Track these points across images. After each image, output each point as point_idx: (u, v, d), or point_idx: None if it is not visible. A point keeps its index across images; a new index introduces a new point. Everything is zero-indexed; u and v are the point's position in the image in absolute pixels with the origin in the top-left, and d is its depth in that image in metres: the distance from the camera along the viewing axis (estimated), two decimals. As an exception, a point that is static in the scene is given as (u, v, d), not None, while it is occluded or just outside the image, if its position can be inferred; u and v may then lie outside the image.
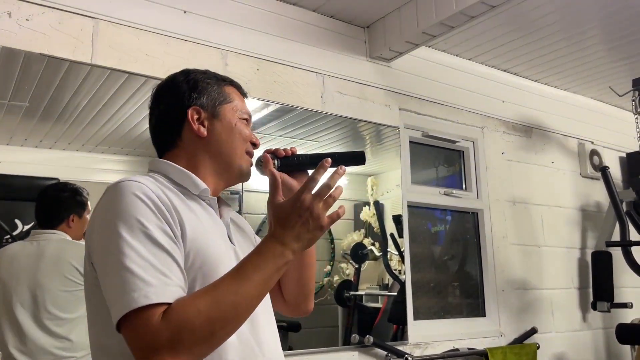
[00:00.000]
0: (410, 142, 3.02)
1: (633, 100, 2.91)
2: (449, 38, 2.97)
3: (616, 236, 3.30)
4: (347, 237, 2.98)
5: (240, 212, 2.56)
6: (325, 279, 2.87)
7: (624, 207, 3.21)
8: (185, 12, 2.30)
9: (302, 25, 2.67)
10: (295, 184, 1.16)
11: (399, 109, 2.95)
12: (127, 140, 2.32)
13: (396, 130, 2.92)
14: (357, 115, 2.79)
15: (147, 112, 1.25)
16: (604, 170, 3.18)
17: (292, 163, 1.15)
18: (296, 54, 2.61)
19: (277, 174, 1.06)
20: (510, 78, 3.51)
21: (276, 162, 1.14)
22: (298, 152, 1.19)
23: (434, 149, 3.24)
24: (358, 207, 3.06)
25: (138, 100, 2.27)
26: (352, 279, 2.92)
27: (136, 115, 2.30)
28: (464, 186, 3.29)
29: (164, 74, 2.23)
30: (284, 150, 1.18)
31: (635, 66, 3.39)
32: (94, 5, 2.09)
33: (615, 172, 4.02)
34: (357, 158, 1.13)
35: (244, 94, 1.26)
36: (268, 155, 1.15)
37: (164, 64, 2.21)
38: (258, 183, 2.80)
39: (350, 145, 3.15)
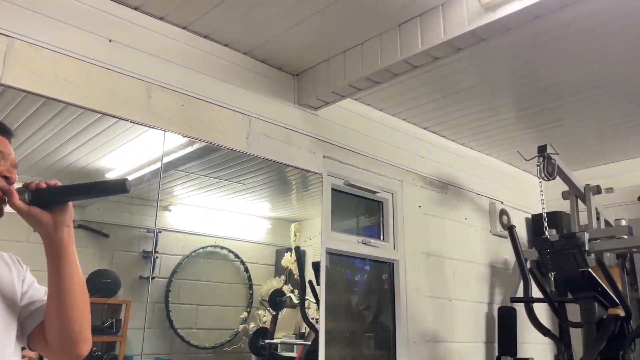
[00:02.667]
0: (333, 189, 3.06)
1: (538, 166, 3.13)
2: (375, 93, 3.10)
3: (521, 293, 3.46)
4: (266, 283, 2.94)
5: (154, 251, 2.46)
6: (241, 326, 2.79)
7: (528, 265, 3.39)
8: (110, 40, 2.25)
9: (233, 66, 2.69)
10: (45, 217, 1.10)
11: (323, 157, 3.00)
12: (41, 167, 2.20)
13: (320, 177, 2.96)
14: (281, 159, 2.81)
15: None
16: (510, 229, 3.36)
17: (43, 195, 1.12)
18: (224, 93, 2.62)
19: (23, 207, 1.06)
20: (429, 136, 3.69)
21: (26, 195, 1.11)
22: (63, 184, 1.15)
23: (356, 198, 3.30)
24: (280, 253, 3.03)
25: (56, 126, 2.18)
26: (269, 327, 2.85)
27: (53, 141, 2.19)
28: (382, 236, 3.36)
29: (83, 101, 2.18)
30: (37, 183, 1.12)
31: (541, 134, 3.69)
32: (11, 23, 2.00)
33: (522, 231, 4.28)
34: (118, 187, 1.12)
35: (4, 130, 1.19)
36: (12, 189, 1.10)
37: (84, 91, 2.14)
38: (178, 222, 2.72)
39: (275, 190, 3.15)
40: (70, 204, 1.12)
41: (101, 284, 2.35)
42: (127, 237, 2.53)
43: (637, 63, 2.78)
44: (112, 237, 2.42)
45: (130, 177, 2.47)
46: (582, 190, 3.51)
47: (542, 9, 2.08)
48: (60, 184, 1.12)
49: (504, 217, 4.12)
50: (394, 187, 3.39)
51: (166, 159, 2.42)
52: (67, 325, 1.13)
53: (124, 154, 2.43)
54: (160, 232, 2.53)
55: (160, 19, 2.43)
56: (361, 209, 3.40)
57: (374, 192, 3.29)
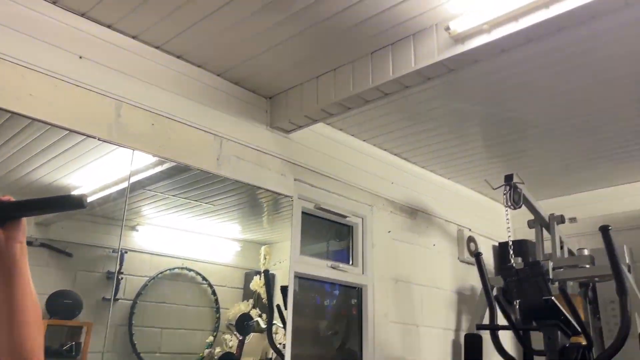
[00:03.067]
0: (303, 213, 3.06)
1: (504, 194, 3.20)
2: (347, 118, 3.14)
3: (487, 320, 3.49)
4: (234, 306, 2.89)
5: (119, 271, 2.40)
6: (206, 351, 2.73)
7: (494, 293, 3.43)
8: (81, 57, 2.24)
9: (205, 87, 2.69)
10: None
11: (294, 180, 3.01)
12: (5, 183, 2.14)
13: (291, 200, 2.96)
14: (252, 181, 2.80)
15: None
16: (477, 256, 3.41)
17: None
18: (195, 114, 2.61)
19: None
20: (399, 162, 3.74)
21: None
22: (17, 200, 1.14)
23: (326, 222, 3.31)
24: (249, 276, 2.99)
25: (21, 142, 2.13)
26: (235, 352, 2.80)
27: (18, 157, 2.14)
28: (351, 261, 3.36)
29: (50, 117, 2.15)
30: None
31: (508, 163, 3.77)
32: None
33: (489, 259, 4.33)
34: (73, 203, 1.11)
35: None
36: None
37: (51, 107, 2.11)
38: (145, 243, 2.67)
39: (246, 212, 3.13)
40: (24, 219, 1.10)
41: (61, 305, 2.28)
42: (91, 257, 2.47)
43: (599, 98, 2.89)
44: (75, 256, 2.36)
45: (96, 196, 2.43)
46: (547, 220, 3.59)
47: (508, 44, 2.15)
48: (13, 199, 1.10)
49: (472, 244, 4.18)
50: (364, 211, 3.41)
51: (134, 178, 2.39)
52: (19, 344, 1.10)
53: (91, 172, 2.39)
54: (126, 252, 2.48)
55: (134, 37, 2.43)
56: (331, 233, 3.41)
57: (344, 217, 3.31)
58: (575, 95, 2.86)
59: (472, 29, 2.14)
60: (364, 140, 3.48)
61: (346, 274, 3.23)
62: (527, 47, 2.28)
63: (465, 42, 2.19)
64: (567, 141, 3.44)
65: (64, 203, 1.12)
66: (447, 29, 2.18)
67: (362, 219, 3.41)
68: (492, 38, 2.12)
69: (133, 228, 2.60)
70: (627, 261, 3.65)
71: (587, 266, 3.20)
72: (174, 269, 2.82)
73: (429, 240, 3.85)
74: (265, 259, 3.02)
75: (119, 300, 2.54)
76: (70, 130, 2.17)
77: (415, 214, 3.80)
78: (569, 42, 2.40)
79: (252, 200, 3.01)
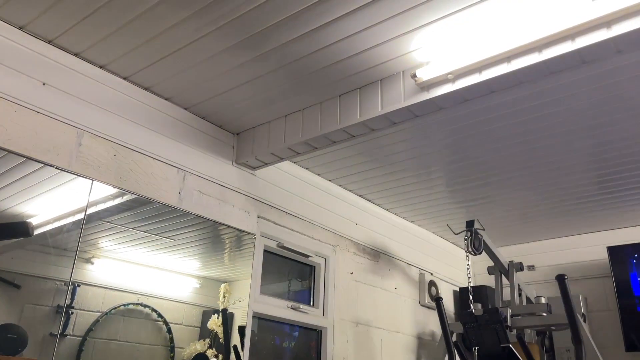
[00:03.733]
0: (265, 251, 3.02)
1: (465, 240, 3.24)
2: (313, 158, 3.16)
3: (446, 365, 3.47)
4: (189, 346, 2.79)
5: (69, 305, 2.30)
6: (157, 391, 2.61)
7: (454, 338, 3.42)
8: (44, 84, 2.20)
9: (172, 120, 2.67)
10: None
11: (258, 217, 2.98)
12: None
13: (253, 237, 2.92)
14: (215, 217, 2.76)
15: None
16: (437, 301, 3.41)
17: None
18: (159, 146, 2.58)
19: None
20: (364, 203, 3.76)
21: None
22: None
23: (289, 261, 3.27)
24: (206, 315, 2.91)
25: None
26: (188, 393, 2.69)
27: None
28: (312, 302, 3.31)
29: (6, 144, 2.08)
30: None
31: (470, 209, 3.84)
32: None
33: (449, 304, 4.35)
34: (18, 230, 1.09)
35: None
36: None
37: (9, 133, 2.05)
38: (100, 276, 2.58)
39: (207, 248, 3.07)
40: None
41: (5, 340, 2.16)
42: (41, 290, 2.36)
43: (558, 150, 2.99)
44: (24, 288, 2.25)
45: (51, 226, 2.34)
46: (506, 267, 3.64)
47: (472, 93, 2.22)
48: None
49: (433, 289, 4.19)
50: (327, 252, 3.39)
51: (92, 209, 2.32)
52: None
53: (48, 201, 2.31)
54: (79, 285, 2.39)
55: (101, 67, 2.41)
56: (293, 272, 3.36)
57: (307, 256, 3.28)
58: (535, 145, 2.96)
59: (437, 78, 2.21)
60: (329, 180, 3.49)
61: (306, 316, 3.18)
62: (490, 98, 2.36)
63: (430, 90, 2.26)
64: (527, 190, 3.54)
65: (8, 230, 1.08)
66: (414, 76, 2.24)
67: (325, 259, 3.39)
68: (456, 87, 2.18)
69: (88, 260, 2.51)
70: (583, 310, 3.72)
71: (544, 314, 3.24)
72: (128, 304, 2.72)
73: (390, 283, 3.84)
74: (224, 297, 2.94)
75: (67, 337, 2.43)
76: (27, 158, 2.11)
77: (378, 255, 3.80)
78: (530, 95, 2.49)
79: (214, 236, 2.96)
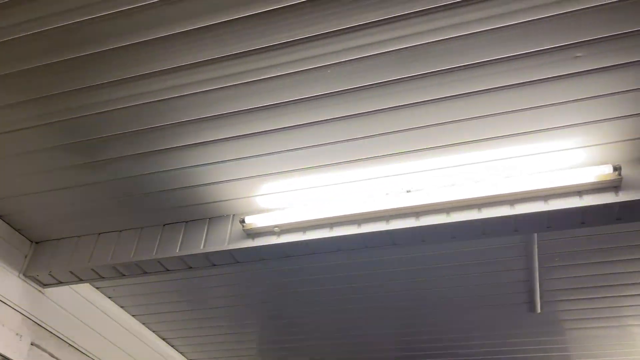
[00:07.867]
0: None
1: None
2: (120, 286, 2.85)
3: None
4: None
5: None
6: None
7: None
8: None
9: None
10: None
11: (31, 344, 2.50)
12: None
13: (15, 368, 2.41)
14: (-27, 335, 2.25)
15: None
16: None
17: None
18: None
19: None
20: (165, 348, 3.41)
21: None
22: None
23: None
24: None
25: None
26: None
27: None
28: None
29: None
30: None
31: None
32: None
33: None
34: None
35: None
36: None
37: None
38: None
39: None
40: None
41: None
42: None
43: (368, 322, 3.06)
44: None
45: None
46: None
47: (294, 250, 2.24)
48: None
49: None
50: (108, 399, 2.91)
51: None
52: None
53: None
54: None
55: None
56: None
57: (80, 402, 2.77)
58: (349, 315, 3.01)
59: (264, 228, 2.20)
60: (132, 315, 3.14)
61: None
62: (312, 259, 2.40)
63: (255, 238, 2.23)
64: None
65: None
66: (242, 221, 2.20)
67: (102, 409, 2.89)
68: (280, 241, 2.19)
69: None
70: None
71: None
72: None
73: None
74: None
75: None
76: None
77: (168, 413, 3.36)
78: (349, 264, 2.58)
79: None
